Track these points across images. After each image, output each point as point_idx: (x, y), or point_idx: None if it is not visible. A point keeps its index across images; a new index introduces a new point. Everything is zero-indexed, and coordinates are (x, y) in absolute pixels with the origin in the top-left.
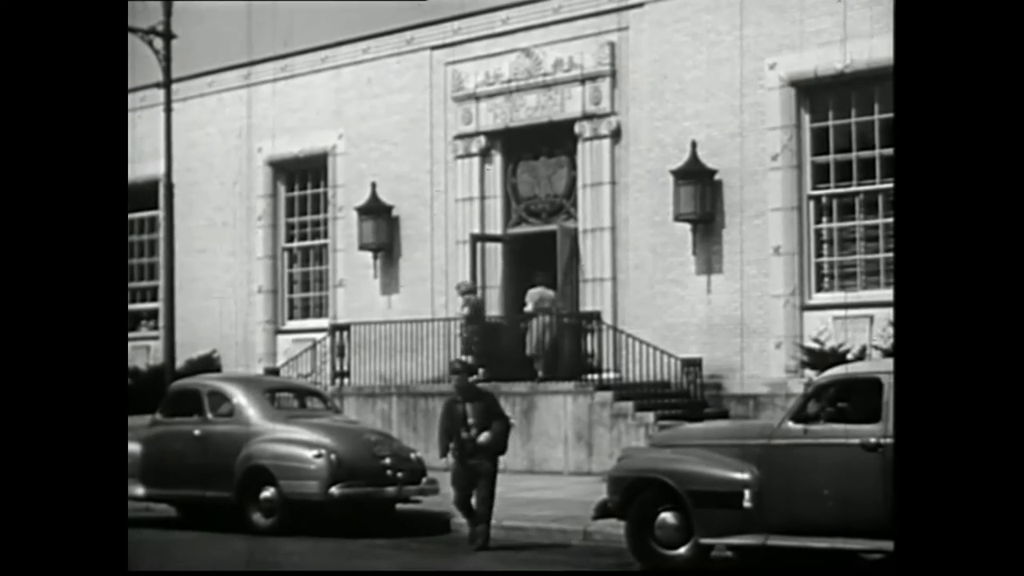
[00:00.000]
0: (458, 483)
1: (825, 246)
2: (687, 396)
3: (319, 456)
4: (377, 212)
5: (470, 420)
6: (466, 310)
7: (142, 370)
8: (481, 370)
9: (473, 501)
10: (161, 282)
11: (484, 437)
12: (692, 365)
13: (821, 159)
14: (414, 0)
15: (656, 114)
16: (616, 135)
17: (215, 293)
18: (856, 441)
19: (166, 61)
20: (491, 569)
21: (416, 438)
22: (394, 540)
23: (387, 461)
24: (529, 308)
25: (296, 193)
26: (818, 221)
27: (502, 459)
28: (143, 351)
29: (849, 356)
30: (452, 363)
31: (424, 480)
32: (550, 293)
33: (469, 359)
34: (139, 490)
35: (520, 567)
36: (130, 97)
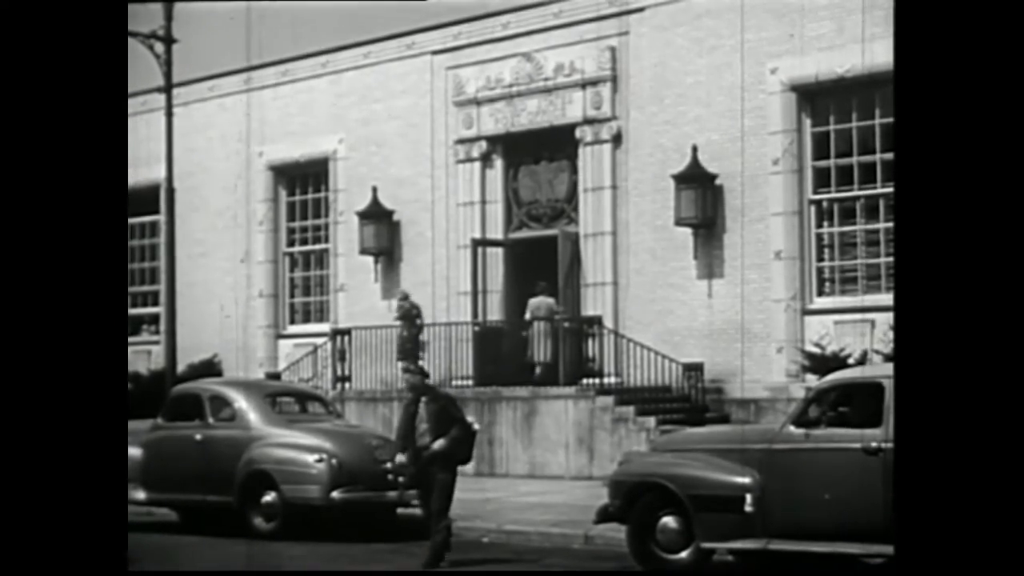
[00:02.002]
0: (418, 493)
1: (826, 250)
2: (688, 400)
3: (320, 460)
4: (378, 216)
5: (424, 425)
6: (395, 313)
7: (143, 375)
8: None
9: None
10: (162, 286)
11: (438, 444)
12: (693, 369)
13: (822, 163)
14: (415, 0)
15: (657, 118)
16: (617, 139)
17: (216, 297)
18: (857, 445)
19: (167, 65)
20: (492, 571)
21: None
22: (395, 544)
23: (388, 465)
24: (527, 317)
25: (297, 197)
26: (819, 225)
27: (505, 463)
28: (144, 355)
29: (850, 360)
30: (404, 365)
31: None
32: (549, 301)
33: (416, 365)
34: (140, 494)
35: (521, 571)
36: (131, 101)
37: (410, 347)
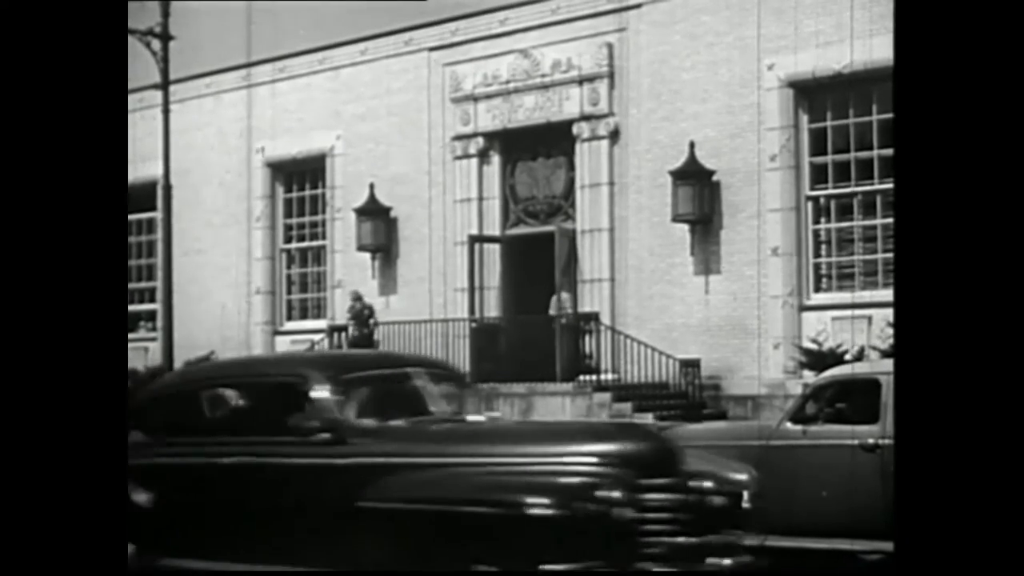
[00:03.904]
0: None
1: (823, 247)
2: (685, 397)
3: None
4: (375, 213)
5: None
6: (348, 314)
7: (140, 371)
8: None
9: None
10: (159, 283)
11: None
12: (690, 366)
13: (819, 160)
14: (413, 0)
15: (654, 115)
16: (614, 136)
17: (213, 294)
18: (855, 442)
19: (164, 62)
20: (489, 569)
21: None
22: None
23: None
24: (552, 312)
25: (294, 194)
26: (816, 222)
27: None
28: (141, 352)
29: (847, 357)
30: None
31: None
32: (566, 296)
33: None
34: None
35: (519, 569)
36: (128, 98)
37: (355, 345)
